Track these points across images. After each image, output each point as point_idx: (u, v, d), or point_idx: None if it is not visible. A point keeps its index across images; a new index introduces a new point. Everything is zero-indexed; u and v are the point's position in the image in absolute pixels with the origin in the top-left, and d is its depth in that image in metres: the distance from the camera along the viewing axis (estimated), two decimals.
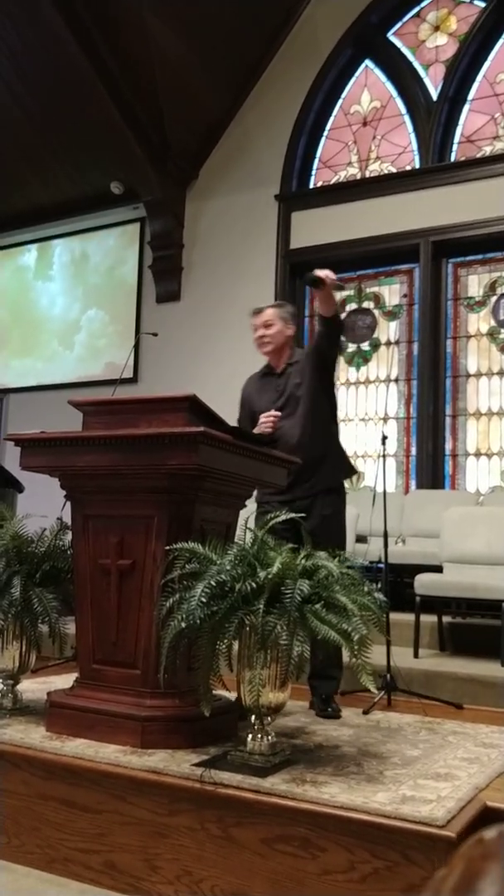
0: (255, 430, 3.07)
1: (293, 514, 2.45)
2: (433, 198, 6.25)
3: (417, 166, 6.47)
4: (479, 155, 6.28)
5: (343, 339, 3.32)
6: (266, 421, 3.15)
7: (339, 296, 6.83)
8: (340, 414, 6.66)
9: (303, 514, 2.62)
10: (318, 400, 3.25)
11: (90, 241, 7.92)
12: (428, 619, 4.30)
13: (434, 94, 6.50)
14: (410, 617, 4.18)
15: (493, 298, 6.23)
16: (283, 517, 2.39)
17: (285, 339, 3.30)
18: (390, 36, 6.76)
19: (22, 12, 6.24)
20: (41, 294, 8.20)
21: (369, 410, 6.62)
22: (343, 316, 3.27)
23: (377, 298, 6.71)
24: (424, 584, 4.11)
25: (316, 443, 3.19)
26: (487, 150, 6.29)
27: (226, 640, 2.15)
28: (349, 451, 6.62)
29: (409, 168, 6.52)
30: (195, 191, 7.32)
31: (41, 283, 8.21)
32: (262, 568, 2.14)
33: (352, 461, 3.50)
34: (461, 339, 6.31)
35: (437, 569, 4.36)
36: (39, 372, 8.02)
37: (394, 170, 6.61)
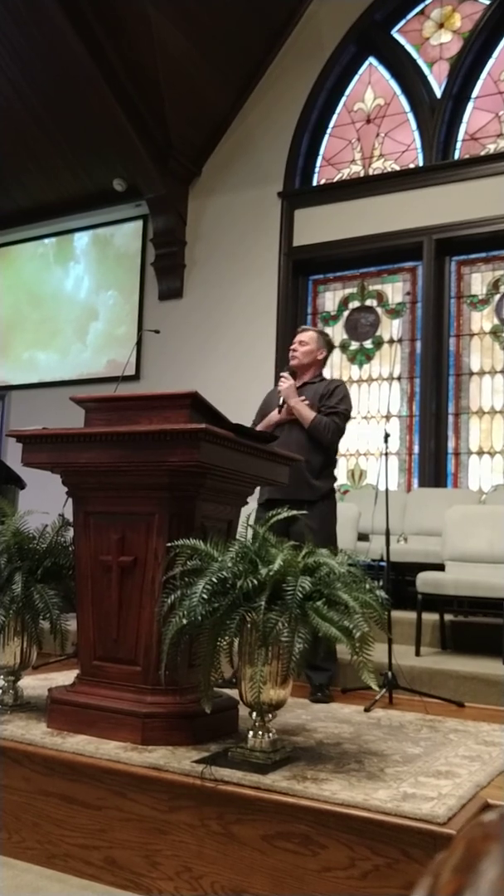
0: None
1: (295, 512, 2.45)
2: (437, 196, 6.24)
3: (421, 164, 6.46)
4: (482, 153, 6.27)
5: (325, 439, 3.55)
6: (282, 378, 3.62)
7: (341, 296, 6.83)
8: None
9: (304, 511, 2.62)
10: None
11: (93, 237, 7.92)
12: (429, 617, 4.30)
13: (438, 92, 6.49)
14: (412, 615, 4.18)
15: (497, 297, 6.22)
16: (284, 514, 2.39)
17: (312, 359, 3.70)
18: (394, 33, 6.74)
19: (26, 9, 6.24)
20: (45, 291, 8.20)
21: (372, 408, 6.61)
22: (323, 419, 3.56)
23: (380, 296, 6.70)
24: (426, 582, 4.11)
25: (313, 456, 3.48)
26: (491, 147, 6.27)
27: (227, 637, 2.15)
28: (351, 450, 6.66)
29: (412, 166, 6.51)
30: (198, 188, 7.32)
31: (47, 278, 8.20)
32: (263, 565, 2.14)
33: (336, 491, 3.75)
34: (464, 337, 6.30)
35: (439, 567, 4.36)
36: (42, 369, 8.01)
37: (397, 167, 6.60)
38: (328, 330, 6.89)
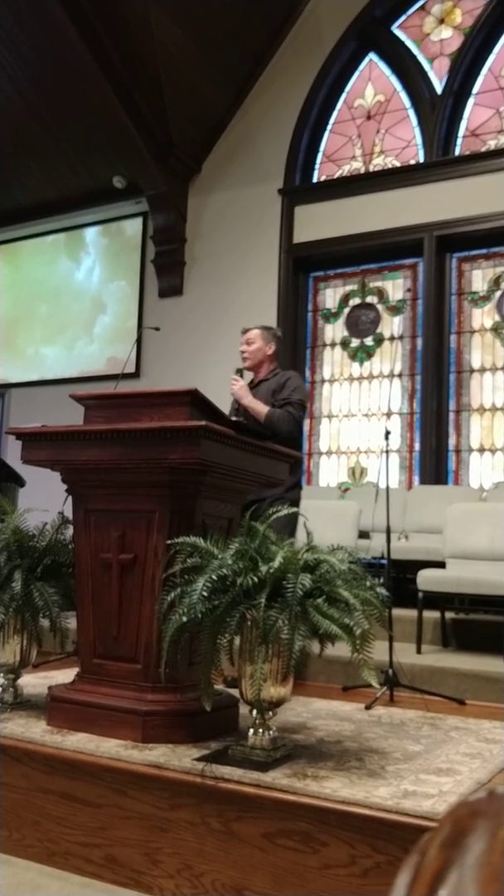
0: None
1: (294, 510, 2.45)
2: (437, 192, 6.23)
3: (421, 160, 6.45)
4: (483, 149, 6.26)
5: (281, 431, 3.42)
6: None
7: (339, 290, 6.81)
8: (343, 409, 6.70)
9: (295, 510, 2.62)
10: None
11: (93, 235, 7.91)
12: (430, 615, 4.29)
13: (438, 88, 6.47)
14: (413, 613, 4.17)
15: (497, 293, 6.21)
16: (283, 512, 2.38)
17: (263, 356, 3.74)
18: (394, 29, 6.73)
19: (27, 7, 6.23)
20: (51, 285, 8.18)
21: (372, 406, 6.61)
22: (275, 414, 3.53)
23: (381, 293, 6.69)
24: (427, 579, 4.10)
25: None
26: (492, 143, 6.26)
27: (227, 635, 2.14)
28: (353, 447, 6.65)
29: (413, 162, 6.50)
30: (198, 185, 7.30)
31: (54, 271, 8.19)
32: (263, 562, 2.13)
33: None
34: (465, 334, 6.29)
35: (440, 565, 4.35)
36: (45, 365, 8.00)
37: (398, 164, 6.59)
38: (329, 327, 6.89)
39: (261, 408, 3.54)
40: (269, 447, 2.73)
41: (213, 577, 2.11)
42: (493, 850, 0.39)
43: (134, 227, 7.68)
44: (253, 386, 3.71)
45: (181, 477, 2.41)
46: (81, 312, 7.84)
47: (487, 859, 0.38)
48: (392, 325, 6.60)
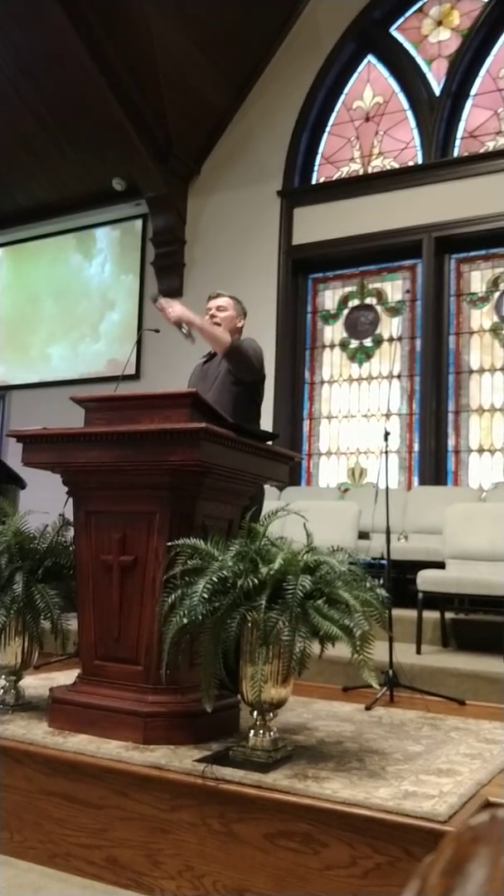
0: None
1: (294, 511, 2.45)
2: (436, 193, 6.24)
3: (420, 162, 6.46)
4: (482, 150, 6.27)
5: (251, 366, 3.16)
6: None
7: (341, 285, 6.81)
8: (343, 410, 6.70)
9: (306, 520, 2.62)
10: (230, 402, 3.12)
11: (93, 236, 7.91)
12: (430, 615, 4.30)
13: (437, 90, 6.49)
14: (413, 613, 4.17)
15: (496, 294, 6.22)
16: (280, 513, 2.39)
17: (233, 327, 3.32)
18: (393, 31, 6.74)
19: (27, 9, 6.24)
20: (53, 286, 8.19)
21: (372, 406, 6.61)
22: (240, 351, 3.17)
23: (380, 294, 6.70)
24: (427, 580, 4.11)
25: None
26: (490, 145, 6.27)
27: (228, 636, 2.15)
28: (352, 448, 6.65)
29: (411, 164, 6.51)
30: (197, 187, 7.31)
31: (57, 272, 8.19)
32: (263, 564, 2.14)
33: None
34: (464, 335, 6.30)
35: (440, 565, 4.36)
36: (46, 366, 8.00)
37: (396, 165, 6.60)
38: (328, 328, 6.89)
39: (220, 333, 3.07)
40: (268, 449, 2.74)
41: (214, 578, 2.11)
42: (493, 878, 0.40)
43: (137, 225, 7.68)
44: (209, 360, 3.35)
45: (181, 479, 2.42)
46: (89, 311, 7.83)
47: (488, 888, 0.39)
48: (391, 326, 6.61)
